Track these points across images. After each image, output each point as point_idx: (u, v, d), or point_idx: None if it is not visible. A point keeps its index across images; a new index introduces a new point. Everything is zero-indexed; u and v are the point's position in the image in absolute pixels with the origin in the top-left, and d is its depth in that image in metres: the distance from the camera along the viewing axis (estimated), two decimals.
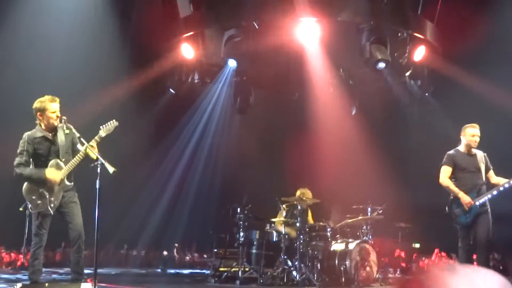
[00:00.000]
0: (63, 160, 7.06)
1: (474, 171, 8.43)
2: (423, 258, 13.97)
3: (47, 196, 6.96)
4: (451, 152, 8.62)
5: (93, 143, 6.94)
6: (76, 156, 7.01)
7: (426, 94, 12.67)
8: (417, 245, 14.46)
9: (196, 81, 13.06)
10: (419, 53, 11.90)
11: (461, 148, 8.60)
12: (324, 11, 11.28)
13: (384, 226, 11.51)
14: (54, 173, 6.97)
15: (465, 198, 8.18)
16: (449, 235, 14.24)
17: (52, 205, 6.95)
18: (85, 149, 6.91)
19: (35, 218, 7.00)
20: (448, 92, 13.28)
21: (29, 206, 6.98)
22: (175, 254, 16.48)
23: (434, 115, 13.81)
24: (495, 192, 8.19)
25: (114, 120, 7.16)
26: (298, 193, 11.12)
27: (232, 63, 12.02)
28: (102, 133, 7.03)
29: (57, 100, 7.17)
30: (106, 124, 7.10)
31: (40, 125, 7.17)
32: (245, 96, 13.73)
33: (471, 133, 8.50)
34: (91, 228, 6.71)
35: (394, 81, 12.79)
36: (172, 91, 12.79)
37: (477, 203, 8.15)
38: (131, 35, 14.65)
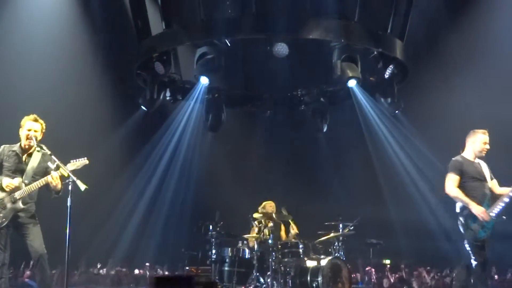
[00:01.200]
0: (26, 181, 6.99)
1: (482, 179, 7.85)
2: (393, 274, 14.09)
3: None
4: (458, 158, 7.99)
5: (62, 169, 6.88)
6: (38, 181, 6.94)
7: (396, 111, 12.78)
8: (388, 261, 14.57)
9: (168, 98, 13.03)
10: (389, 71, 12.03)
11: (468, 155, 8.01)
12: (296, 30, 11.36)
13: (355, 242, 11.57)
14: (11, 180, 6.90)
15: (478, 209, 7.50)
16: (419, 250, 14.48)
17: (1, 221, 6.85)
18: (56, 169, 6.87)
19: None
20: (418, 108, 13.44)
21: None
22: (147, 272, 16.33)
23: (405, 132, 13.95)
24: (507, 200, 7.56)
25: (85, 158, 7.12)
26: (261, 204, 11.15)
27: (204, 80, 12.07)
28: (70, 166, 6.99)
29: (39, 120, 7.14)
30: (76, 160, 7.06)
31: (21, 142, 7.15)
32: (217, 114, 13.72)
33: (483, 140, 7.95)
34: (62, 246, 6.65)
35: (364, 98, 12.90)
36: (143, 108, 12.74)
37: (493, 214, 7.53)
38: (103, 52, 14.61)
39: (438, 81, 13.68)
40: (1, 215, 6.88)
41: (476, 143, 7.95)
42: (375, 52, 12.00)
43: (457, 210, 7.90)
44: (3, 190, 6.93)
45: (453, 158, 8.01)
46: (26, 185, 6.98)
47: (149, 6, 12.31)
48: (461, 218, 7.77)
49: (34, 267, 7.04)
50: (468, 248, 7.67)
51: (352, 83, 11.80)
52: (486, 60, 13.53)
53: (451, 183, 7.84)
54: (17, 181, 6.96)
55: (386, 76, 12.05)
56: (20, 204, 6.96)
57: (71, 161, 7.02)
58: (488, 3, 13.47)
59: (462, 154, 8.05)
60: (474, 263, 7.58)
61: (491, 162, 8.19)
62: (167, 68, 12.14)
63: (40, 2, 13.48)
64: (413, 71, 12.37)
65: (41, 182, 6.94)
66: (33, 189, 6.97)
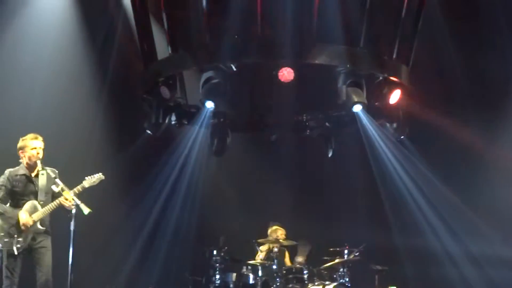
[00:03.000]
0: (41, 202, 6.97)
1: None
2: None
3: (15, 236, 6.83)
4: None
5: (66, 192, 6.84)
6: (53, 202, 6.91)
7: (402, 137, 12.75)
8: None
9: (173, 122, 13.03)
10: (395, 96, 12.01)
11: None
12: (302, 55, 11.38)
13: (360, 268, 11.48)
14: (27, 217, 6.86)
15: None
16: (425, 276, 14.36)
17: (18, 245, 6.82)
18: (61, 191, 6.84)
19: (4, 259, 6.85)
20: (423, 134, 13.42)
21: None
22: None
23: (410, 157, 13.92)
24: None
25: (100, 174, 7.08)
26: (269, 229, 11.09)
27: (209, 105, 12.06)
28: (86, 184, 6.97)
29: (40, 138, 7.15)
30: (92, 176, 7.03)
31: (23, 163, 7.11)
32: (222, 138, 13.70)
33: None
34: (65, 271, 6.59)
35: (370, 123, 12.88)
36: (149, 132, 12.73)
37: None
38: (110, 76, 14.66)
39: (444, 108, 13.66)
40: (20, 239, 6.82)
41: None
42: (381, 78, 12.02)
43: None
44: (15, 222, 6.88)
45: None
46: (42, 205, 6.94)
47: (155, 30, 12.38)
48: None
49: None
50: None
51: (357, 108, 11.77)
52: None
53: None
54: (30, 208, 6.89)
55: (392, 101, 12.06)
56: (38, 225, 6.93)
57: (86, 178, 6.98)
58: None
59: None
60: None
61: None
62: (172, 93, 12.16)
63: (47, 26, 13.55)
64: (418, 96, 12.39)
65: (55, 204, 6.91)
66: (48, 211, 6.95)
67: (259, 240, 10.93)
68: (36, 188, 6.96)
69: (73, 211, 6.68)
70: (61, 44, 13.62)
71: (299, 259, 11.08)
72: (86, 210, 6.67)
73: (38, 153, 6.98)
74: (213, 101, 11.87)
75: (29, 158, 7.02)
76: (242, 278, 10.63)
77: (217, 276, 10.51)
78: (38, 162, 7.01)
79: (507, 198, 13.20)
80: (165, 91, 12.19)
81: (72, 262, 6.57)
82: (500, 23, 13.39)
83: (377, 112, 12.62)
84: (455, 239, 14.05)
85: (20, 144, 7.14)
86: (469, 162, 13.55)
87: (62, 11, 13.84)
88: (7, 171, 7.05)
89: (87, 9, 14.00)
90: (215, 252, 10.69)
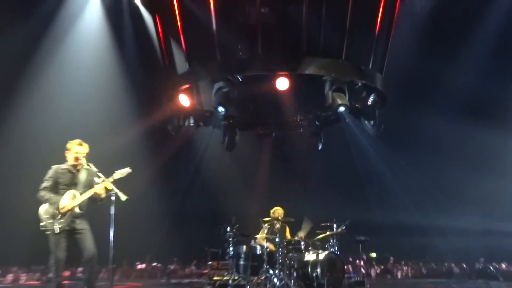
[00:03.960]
0: (80, 191, 6.89)
1: None
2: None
3: (57, 218, 6.74)
4: None
5: (106, 181, 6.78)
6: (89, 190, 6.84)
7: (378, 132, 12.63)
8: (374, 255, 14.35)
9: (191, 124, 12.93)
10: (371, 99, 11.91)
11: None
12: (294, 67, 11.30)
13: (347, 239, 11.39)
14: (68, 201, 6.79)
15: None
16: (399, 245, 14.29)
17: (60, 226, 6.72)
18: (102, 182, 6.76)
19: (50, 238, 6.75)
20: (396, 130, 13.31)
21: (42, 224, 6.74)
22: (177, 266, 16.16)
23: (385, 147, 13.85)
24: None
25: (128, 168, 7.00)
26: (271, 210, 11.02)
27: (221, 109, 11.97)
28: (116, 175, 6.88)
29: (84, 144, 7.07)
30: (121, 170, 6.94)
31: (67, 160, 7.05)
32: (232, 137, 13.59)
33: None
34: (107, 247, 6.50)
35: (352, 121, 12.77)
36: (172, 133, 12.64)
37: None
38: (140, 89, 14.57)
39: (413, 108, 13.56)
40: (62, 220, 6.72)
41: None
42: (360, 84, 11.89)
43: None
44: (58, 206, 6.79)
45: None
46: (80, 194, 6.87)
47: (175, 49, 12.31)
48: None
49: (85, 264, 6.85)
50: None
51: (341, 109, 11.66)
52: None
53: None
54: (70, 196, 6.82)
55: (369, 103, 11.96)
56: (76, 210, 6.84)
57: (116, 171, 6.91)
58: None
59: None
60: None
61: None
62: (190, 100, 12.08)
63: (86, 50, 13.53)
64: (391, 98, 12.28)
65: (90, 191, 6.86)
66: (85, 198, 6.87)
67: (264, 219, 10.87)
68: (77, 180, 6.89)
69: (113, 197, 6.64)
70: (98, 63, 13.59)
71: (301, 234, 11.00)
72: (123, 197, 6.63)
73: (78, 157, 6.93)
74: (223, 106, 11.77)
75: (70, 159, 6.97)
76: (251, 249, 10.54)
77: (231, 248, 10.43)
78: (83, 160, 6.96)
79: (467, 180, 13.10)
80: (184, 99, 12.12)
81: (113, 239, 6.50)
82: (460, 39, 13.27)
83: (357, 112, 12.52)
84: (423, 214, 14.00)
85: (67, 146, 7.09)
86: (436, 152, 13.45)
87: (100, 36, 13.81)
88: (54, 166, 6.99)
89: (119, 33, 13.95)
90: (228, 229, 10.60)
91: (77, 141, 7.08)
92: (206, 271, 12.62)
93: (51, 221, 6.71)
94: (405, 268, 15.33)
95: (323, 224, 11.16)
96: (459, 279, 13.46)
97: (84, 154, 7.04)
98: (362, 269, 13.43)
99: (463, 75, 13.31)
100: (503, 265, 13.89)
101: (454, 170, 13.23)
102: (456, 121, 13.07)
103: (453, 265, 14.72)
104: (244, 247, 10.67)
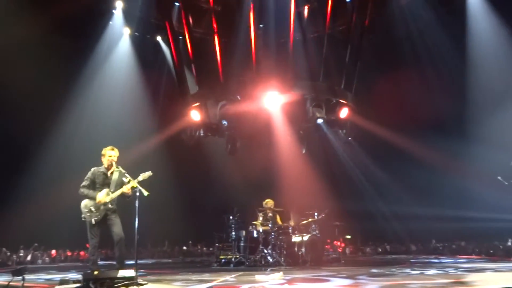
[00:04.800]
0: (112, 190, 6.89)
1: None
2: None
3: (94, 211, 6.75)
4: None
5: (132, 182, 6.76)
6: (119, 189, 6.84)
7: (349, 138, 12.71)
8: (348, 237, 14.37)
9: (201, 135, 12.97)
10: (344, 112, 11.99)
11: None
12: (282, 87, 11.40)
13: (326, 224, 11.39)
14: (102, 197, 6.80)
15: None
16: (367, 228, 14.28)
17: (96, 218, 6.71)
18: (128, 182, 6.76)
19: (88, 227, 6.79)
20: (364, 136, 13.35)
21: (82, 215, 6.78)
22: (190, 247, 16.15)
23: (355, 150, 13.87)
24: None
25: (150, 171, 6.96)
26: (264, 202, 11.02)
27: (224, 122, 12.05)
28: (140, 177, 6.83)
29: (115, 149, 7.04)
30: (145, 173, 6.90)
31: (104, 164, 7.04)
32: (233, 144, 13.62)
33: None
34: (133, 233, 6.52)
35: (328, 130, 12.83)
36: (186, 142, 12.69)
37: None
38: (159, 107, 14.62)
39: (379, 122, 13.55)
40: (97, 213, 6.72)
41: None
42: (334, 100, 12.00)
43: None
44: (95, 201, 6.82)
45: None
46: (112, 192, 6.86)
47: (188, 74, 12.43)
48: None
49: (116, 246, 6.85)
50: None
51: (319, 121, 11.76)
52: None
53: None
54: (104, 192, 6.83)
55: (342, 116, 12.05)
56: (109, 205, 6.84)
57: (141, 174, 6.88)
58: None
59: None
60: None
61: None
62: (200, 115, 12.14)
63: (118, 77, 13.63)
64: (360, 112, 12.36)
65: (120, 191, 6.83)
66: (116, 195, 6.85)
67: (259, 208, 10.89)
68: (110, 181, 6.88)
69: (137, 193, 6.63)
70: (127, 86, 13.66)
71: (291, 222, 11.00)
72: (145, 193, 6.61)
73: (112, 160, 6.92)
74: (226, 120, 11.88)
75: (105, 162, 6.95)
76: (249, 233, 10.57)
77: (233, 233, 10.42)
78: (114, 164, 6.94)
79: (421, 176, 13.10)
80: (195, 114, 12.18)
81: (137, 227, 6.53)
82: (417, 60, 13.25)
83: (332, 123, 12.58)
84: (386, 203, 13.96)
85: (102, 152, 7.05)
86: (396, 154, 13.44)
87: (129, 66, 13.93)
88: (93, 169, 6.97)
89: (144, 62, 14.04)
90: (231, 217, 10.62)
91: (109, 147, 7.04)
92: (213, 251, 12.61)
93: (89, 214, 6.71)
94: (372, 247, 15.34)
95: (306, 212, 11.17)
96: (415, 255, 13.47)
97: (116, 158, 7.02)
98: (339, 249, 13.42)
99: (422, 92, 13.23)
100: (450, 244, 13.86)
101: (410, 169, 13.28)
102: (412, 131, 13.06)
103: (411, 244, 14.73)
104: (244, 232, 10.65)
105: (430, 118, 12.81)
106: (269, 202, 10.97)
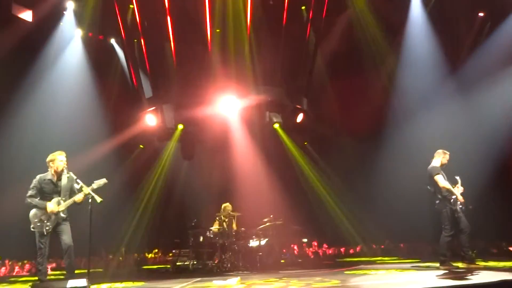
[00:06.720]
0: (63, 199, 6.57)
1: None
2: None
3: (45, 221, 6.43)
4: (436, 165, 7.79)
5: (85, 190, 6.49)
6: (71, 198, 6.53)
7: (305, 143, 12.86)
8: (305, 240, 14.44)
9: (157, 139, 12.73)
10: (299, 117, 12.13)
11: (438, 163, 7.81)
12: (239, 92, 11.41)
13: (284, 229, 11.37)
14: (53, 207, 6.47)
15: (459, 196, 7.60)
16: (322, 231, 14.41)
17: (47, 228, 6.40)
18: (80, 188, 6.49)
19: (37, 236, 6.44)
20: (318, 140, 13.52)
21: (31, 226, 6.43)
22: (146, 254, 15.65)
23: (310, 155, 14.00)
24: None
25: (104, 179, 6.71)
26: (222, 206, 10.89)
27: (180, 127, 11.89)
28: (94, 185, 6.58)
29: (64, 154, 6.75)
30: (99, 180, 6.64)
31: (50, 171, 6.68)
32: (190, 149, 13.43)
33: (447, 158, 7.88)
34: (86, 239, 6.24)
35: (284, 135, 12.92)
36: (141, 147, 12.40)
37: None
38: (113, 111, 14.13)
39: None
40: (48, 223, 6.39)
41: (444, 158, 7.86)
42: (291, 106, 12.13)
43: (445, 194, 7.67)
44: (45, 211, 6.48)
45: (434, 165, 7.81)
46: (64, 201, 6.55)
47: (143, 79, 12.15)
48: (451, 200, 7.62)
49: (64, 255, 6.52)
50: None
51: (275, 126, 11.84)
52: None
53: (444, 180, 7.65)
54: (55, 201, 6.50)
55: (298, 121, 12.18)
56: (61, 215, 6.52)
57: (95, 181, 6.61)
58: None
59: (434, 164, 7.87)
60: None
61: None
62: (156, 119, 11.91)
63: (68, 80, 13.05)
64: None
65: (72, 200, 6.53)
66: (68, 205, 6.54)
67: (217, 214, 10.73)
68: (59, 188, 6.56)
69: (90, 200, 6.36)
70: (78, 87, 13.09)
71: (243, 228, 10.89)
72: (99, 199, 6.36)
73: (64, 164, 6.62)
74: (183, 124, 11.72)
75: (57, 167, 6.60)
76: (206, 238, 10.39)
77: (191, 238, 10.23)
78: (64, 169, 6.62)
79: (377, 184, 13.28)
80: (151, 119, 11.92)
81: (90, 232, 6.26)
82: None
83: (289, 128, 12.69)
84: (340, 208, 14.09)
85: (50, 157, 6.67)
86: (349, 160, 13.67)
87: (80, 69, 13.38)
88: (38, 176, 6.60)
89: (97, 65, 13.54)
90: (188, 223, 10.41)
91: (58, 152, 6.72)
92: (170, 258, 12.32)
93: (39, 224, 6.38)
94: (328, 249, 15.51)
95: (265, 220, 11.06)
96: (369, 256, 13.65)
97: (65, 163, 6.71)
98: (295, 251, 13.47)
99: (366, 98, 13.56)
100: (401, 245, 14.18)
101: (359, 176, 13.57)
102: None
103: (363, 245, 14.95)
104: (201, 237, 10.48)
105: (369, 123, 13.10)
106: (227, 207, 10.83)
